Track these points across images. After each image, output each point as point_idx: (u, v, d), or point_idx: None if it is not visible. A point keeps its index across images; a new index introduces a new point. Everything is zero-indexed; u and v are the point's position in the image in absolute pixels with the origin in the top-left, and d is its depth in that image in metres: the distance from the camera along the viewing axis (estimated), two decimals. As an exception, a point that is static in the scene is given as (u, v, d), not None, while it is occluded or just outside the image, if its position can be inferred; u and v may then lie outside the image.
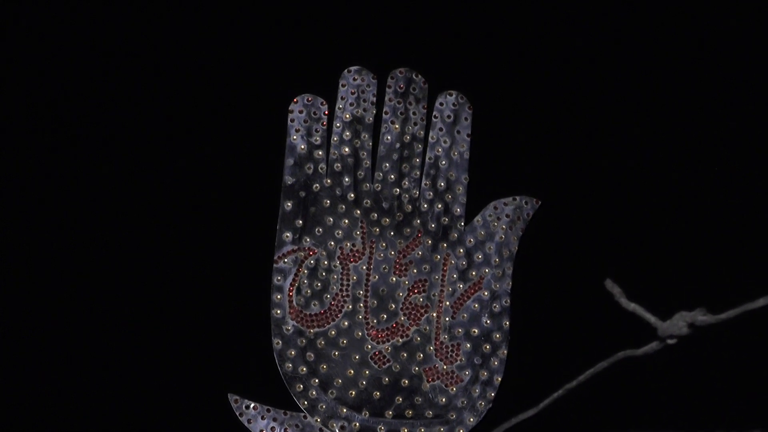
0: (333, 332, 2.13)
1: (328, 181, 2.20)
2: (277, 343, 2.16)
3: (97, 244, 3.02)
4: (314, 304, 2.15)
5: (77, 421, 3.36)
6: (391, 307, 2.16)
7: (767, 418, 2.97)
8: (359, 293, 2.12)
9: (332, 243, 2.18)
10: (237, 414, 2.07)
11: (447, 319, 2.17)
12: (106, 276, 2.91)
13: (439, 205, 2.23)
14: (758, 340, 2.77)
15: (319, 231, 2.17)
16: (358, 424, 2.09)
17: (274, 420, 2.10)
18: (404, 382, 2.17)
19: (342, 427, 2.13)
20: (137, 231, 2.79)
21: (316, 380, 2.14)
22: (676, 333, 1.57)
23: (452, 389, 2.14)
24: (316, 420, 2.13)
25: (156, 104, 2.92)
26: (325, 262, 2.16)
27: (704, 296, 1.60)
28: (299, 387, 2.15)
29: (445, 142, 2.20)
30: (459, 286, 2.18)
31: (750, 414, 3.06)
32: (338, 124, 2.24)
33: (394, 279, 2.14)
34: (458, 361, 2.16)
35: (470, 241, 2.19)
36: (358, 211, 2.18)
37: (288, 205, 2.19)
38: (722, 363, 2.96)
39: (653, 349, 1.54)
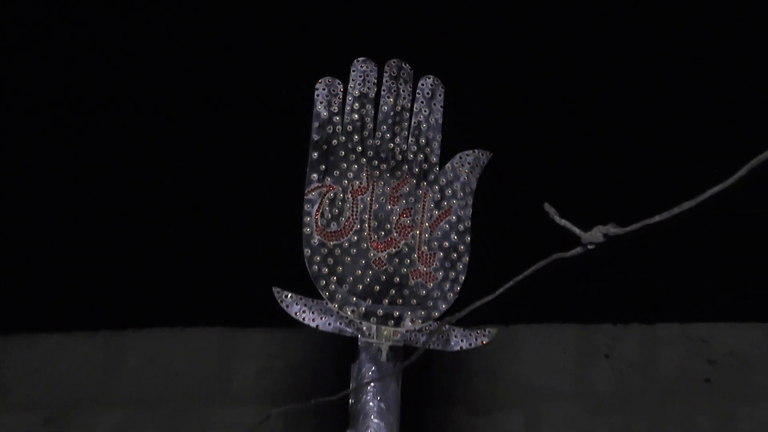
0: (346, 244, 2.22)
1: (343, 138, 2.28)
2: (307, 251, 2.21)
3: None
4: (333, 224, 2.22)
5: (144, 309, 3.25)
6: (387, 227, 2.26)
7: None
8: (364, 217, 2.21)
9: (345, 182, 2.26)
10: (278, 301, 2.13)
11: (426, 235, 2.29)
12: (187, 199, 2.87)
13: (421, 156, 2.32)
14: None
15: (336, 173, 2.24)
16: (363, 308, 2.20)
17: (305, 305, 2.19)
18: (396, 280, 2.24)
19: (352, 311, 2.21)
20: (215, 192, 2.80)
21: (334, 278, 2.21)
22: (594, 241, 1.49)
23: (430, 285, 2.24)
24: (335, 306, 2.21)
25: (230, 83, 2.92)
26: (341, 195, 2.24)
27: (615, 215, 1.47)
28: (322, 282, 2.20)
29: (425, 111, 2.29)
30: (435, 213, 2.28)
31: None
32: (350, 98, 2.30)
33: (389, 207, 2.25)
34: (434, 265, 2.26)
35: (443, 181, 2.28)
36: (364, 160, 2.28)
37: (314, 155, 2.25)
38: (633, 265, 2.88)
39: (578, 252, 1.43)
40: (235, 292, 3.25)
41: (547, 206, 1.71)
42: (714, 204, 1.54)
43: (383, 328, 2.21)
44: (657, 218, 1.55)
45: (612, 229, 1.63)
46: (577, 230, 1.66)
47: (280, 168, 2.64)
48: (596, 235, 1.64)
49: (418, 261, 2.26)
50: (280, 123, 2.84)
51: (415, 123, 2.32)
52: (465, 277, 2.29)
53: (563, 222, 1.68)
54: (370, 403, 2.18)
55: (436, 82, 2.34)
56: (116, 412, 3.29)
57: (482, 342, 2.29)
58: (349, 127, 2.27)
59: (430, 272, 2.26)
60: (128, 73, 3.16)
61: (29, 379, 3.33)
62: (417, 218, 2.28)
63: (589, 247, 1.67)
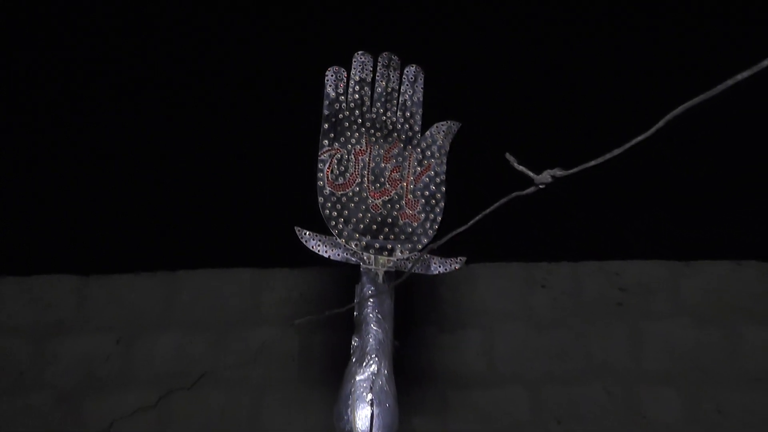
0: (350, 193, 2.17)
1: (347, 112, 2.27)
2: (320, 199, 2.19)
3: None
4: (340, 179, 2.18)
5: (193, 255, 3.21)
6: (382, 180, 2.21)
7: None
8: (364, 173, 2.14)
9: (349, 146, 2.22)
10: (299, 237, 1.99)
11: (411, 186, 2.25)
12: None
13: (407, 126, 2.28)
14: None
15: (342, 139, 2.21)
16: (364, 242, 2.17)
17: (319, 240, 2.13)
18: (389, 221, 2.20)
19: (356, 244, 2.21)
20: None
21: (342, 219, 2.18)
22: (544, 181, 1.44)
23: (415, 224, 2.18)
24: (342, 241, 2.17)
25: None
26: (346, 156, 2.19)
27: (559, 161, 1.44)
28: (332, 223, 2.20)
29: (409, 91, 2.24)
30: (418, 169, 2.21)
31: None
32: (352, 82, 2.30)
33: (383, 165, 2.19)
34: (418, 209, 2.20)
35: (423, 144, 2.24)
36: (363, 129, 2.25)
37: (325, 126, 2.24)
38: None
39: (532, 191, 1.39)
40: (262, 242, 3.25)
41: (508, 155, 1.68)
42: (636, 154, 1.51)
43: (379, 257, 2.20)
44: (592, 163, 1.52)
45: (558, 172, 1.60)
46: (531, 173, 1.63)
47: (297, 139, 2.59)
48: (546, 176, 1.62)
49: (406, 206, 2.24)
50: (296, 105, 2.79)
51: (402, 101, 2.30)
52: (441, 218, 2.28)
53: (520, 168, 1.65)
54: (370, 314, 2.17)
55: (417, 69, 2.32)
56: (172, 333, 3.27)
57: (455, 267, 2.27)
58: (352, 104, 2.25)
59: (415, 214, 2.25)
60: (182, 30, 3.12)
61: (104, 308, 3.29)
62: (404, 173, 2.26)
63: (540, 186, 1.64)
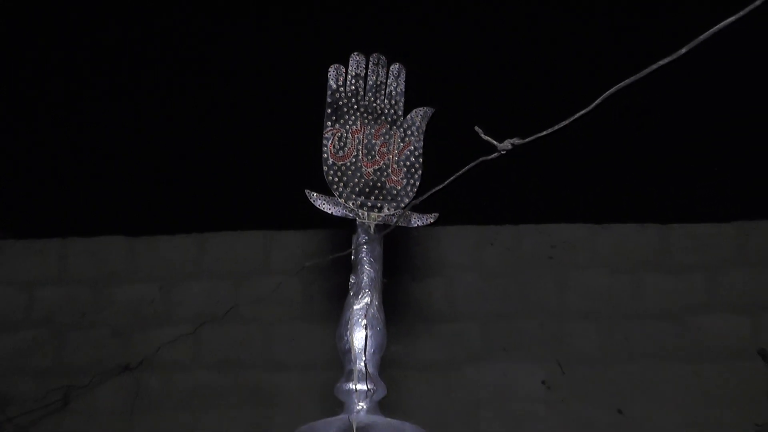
0: (348, 164, 2.17)
1: (345, 100, 2.21)
2: (325, 168, 2.16)
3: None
4: (340, 152, 2.17)
5: (218, 220, 3.18)
6: (373, 153, 2.20)
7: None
8: (359, 147, 2.17)
9: (348, 126, 2.20)
10: (308, 198, 2.02)
11: (396, 158, 2.22)
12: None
13: (392, 110, 2.27)
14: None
15: (341, 121, 2.19)
16: (359, 202, 2.16)
17: (324, 200, 2.13)
18: (378, 185, 2.20)
19: (353, 203, 2.15)
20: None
21: (342, 183, 2.16)
22: (505, 148, 1.44)
23: (398, 187, 2.20)
24: (342, 200, 2.14)
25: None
26: (345, 135, 2.17)
27: (517, 132, 1.43)
28: (334, 186, 2.15)
29: (394, 84, 2.28)
30: (401, 144, 2.23)
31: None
32: (349, 76, 2.23)
33: (374, 141, 2.21)
34: (401, 176, 2.22)
35: (405, 125, 2.26)
36: (359, 113, 2.22)
37: (328, 111, 2.18)
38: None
39: (495, 156, 1.40)
40: (272, 210, 3.25)
41: (477, 128, 1.64)
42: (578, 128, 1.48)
43: (371, 213, 2.15)
44: (544, 132, 1.50)
45: (517, 141, 1.58)
46: (495, 141, 1.60)
47: (302, 125, 2.56)
48: (506, 144, 1.59)
49: (391, 173, 2.20)
50: (302, 97, 2.74)
51: (388, 91, 2.24)
52: (419, 183, 2.23)
53: (486, 137, 1.62)
54: (364, 257, 2.13)
55: (400, 66, 2.27)
56: (202, 282, 3.27)
57: (430, 221, 2.22)
58: (349, 94, 2.19)
59: (399, 180, 2.20)
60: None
61: (148, 263, 3.29)
62: (390, 148, 2.21)
63: (502, 152, 1.61)
